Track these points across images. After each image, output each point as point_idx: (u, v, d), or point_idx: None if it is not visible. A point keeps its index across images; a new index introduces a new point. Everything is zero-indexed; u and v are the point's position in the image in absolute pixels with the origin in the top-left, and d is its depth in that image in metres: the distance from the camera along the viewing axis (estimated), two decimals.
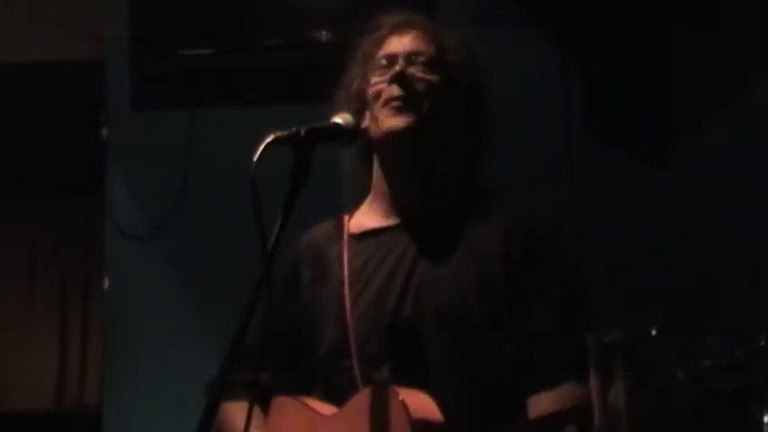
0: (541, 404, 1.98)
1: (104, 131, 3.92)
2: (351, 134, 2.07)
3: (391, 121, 2.10)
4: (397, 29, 2.20)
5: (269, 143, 1.86)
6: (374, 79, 2.16)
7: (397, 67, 2.13)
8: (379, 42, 2.21)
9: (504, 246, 2.07)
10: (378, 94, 2.13)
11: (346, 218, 2.27)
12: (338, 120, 2.06)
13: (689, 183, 3.63)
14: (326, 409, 2.06)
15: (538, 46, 3.74)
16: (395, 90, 2.11)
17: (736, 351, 1.35)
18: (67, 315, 6.97)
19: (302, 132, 1.91)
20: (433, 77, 2.14)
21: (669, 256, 3.56)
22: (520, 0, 3.77)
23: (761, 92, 3.66)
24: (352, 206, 2.28)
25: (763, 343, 1.34)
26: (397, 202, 2.18)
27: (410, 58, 2.15)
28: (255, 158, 1.83)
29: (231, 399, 2.06)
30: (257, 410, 2.10)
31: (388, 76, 2.13)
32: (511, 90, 3.67)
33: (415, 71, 2.13)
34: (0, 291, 6.94)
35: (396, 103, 2.10)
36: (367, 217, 2.23)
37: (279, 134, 1.89)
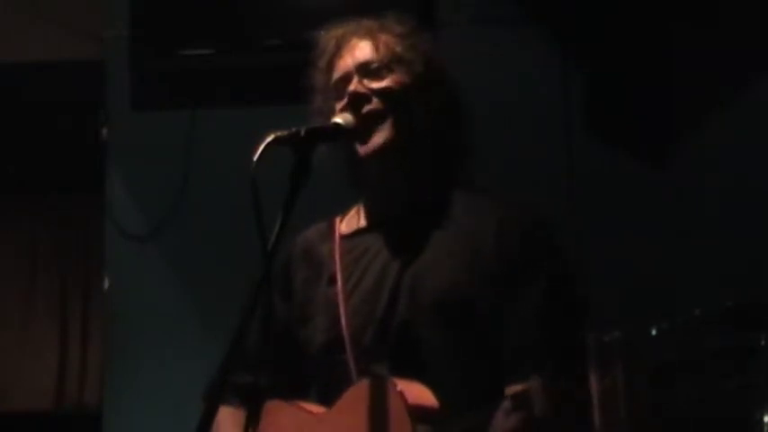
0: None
1: (104, 131, 3.92)
2: (351, 134, 2.07)
3: (367, 146, 2.09)
4: (344, 43, 2.18)
5: (269, 143, 1.87)
6: (338, 106, 2.13)
7: (351, 87, 2.11)
8: (331, 66, 2.19)
9: (497, 241, 2.06)
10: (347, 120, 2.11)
11: (338, 219, 2.28)
12: (338, 120, 2.07)
13: (689, 183, 3.63)
14: (320, 410, 2.06)
15: (538, 46, 3.74)
16: (357, 113, 2.09)
17: (735, 351, 1.35)
18: (67, 315, 6.96)
19: (302, 132, 1.92)
20: (391, 81, 2.12)
21: (669, 256, 3.56)
22: (520, 0, 3.77)
23: (761, 92, 3.66)
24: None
25: (763, 343, 1.34)
26: (386, 203, 2.19)
27: (362, 69, 2.14)
28: (255, 158, 1.83)
29: (221, 403, 2.06)
30: (242, 417, 2.09)
31: (346, 100, 2.11)
32: (511, 90, 3.68)
33: (369, 83, 2.12)
34: (0, 291, 6.94)
35: (363, 127, 2.09)
36: (357, 217, 2.25)
37: (279, 134, 1.90)
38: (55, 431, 6.84)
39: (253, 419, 2.06)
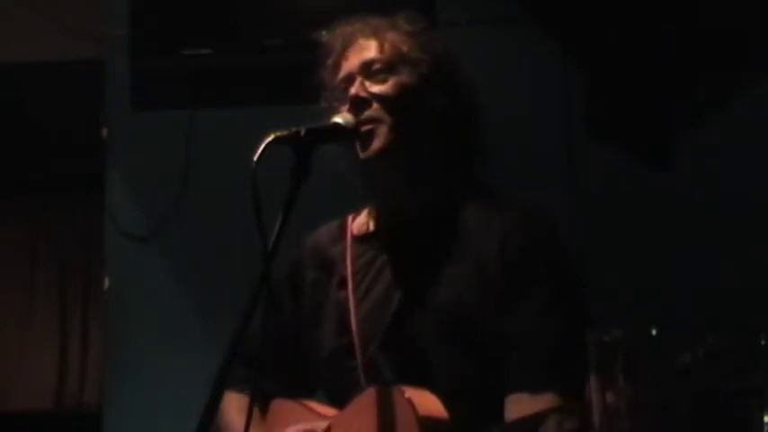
0: (520, 406, 1.93)
1: (104, 131, 3.92)
2: (351, 134, 2.06)
3: (365, 151, 2.07)
4: (350, 42, 2.16)
5: (269, 143, 1.86)
6: (342, 107, 2.11)
7: (352, 90, 2.09)
8: (337, 66, 2.17)
9: (501, 248, 2.03)
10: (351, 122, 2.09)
11: (350, 219, 2.26)
12: (338, 120, 2.06)
13: (689, 183, 3.63)
14: (328, 410, 2.06)
15: (538, 46, 3.74)
16: (356, 116, 2.06)
17: (736, 351, 1.35)
18: (67, 315, 6.96)
19: (302, 132, 1.91)
20: (393, 84, 2.09)
21: (669, 256, 3.56)
22: (520, 0, 3.77)
23: (761, 92, 3.66)
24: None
25: (763, 343, 1.34)
26: (394, 207, 2.17)
27: (364, 70, 2.11)
28: (255, 158, 1.83)
29: (229, 388, 2.05)
30: (246, 402, 2.10)
31: (348, 103, 2.09)
32: (511, 90, 3.68)
33: (370, 86, 2.09)
34: (0, 291, 6.94)
35: (363, 129, 2.07)
36: (369, 219, 2.23)
37: (279, 134, 1.89)
38: (55, 431, 6.84)
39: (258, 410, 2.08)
